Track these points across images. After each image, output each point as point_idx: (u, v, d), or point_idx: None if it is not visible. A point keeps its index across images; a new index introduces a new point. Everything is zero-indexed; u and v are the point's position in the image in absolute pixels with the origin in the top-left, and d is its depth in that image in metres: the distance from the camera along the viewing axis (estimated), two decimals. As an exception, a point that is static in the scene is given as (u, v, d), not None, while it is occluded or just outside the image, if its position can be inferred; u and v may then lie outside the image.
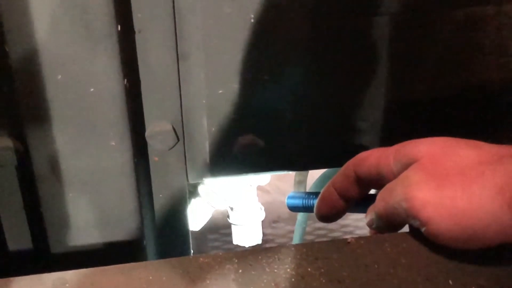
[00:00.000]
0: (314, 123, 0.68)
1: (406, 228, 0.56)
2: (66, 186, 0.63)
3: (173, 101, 0.65)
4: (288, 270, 0.53)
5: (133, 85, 0.63)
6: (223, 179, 0.74)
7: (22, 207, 0.68)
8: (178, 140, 0.67)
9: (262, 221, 1.08)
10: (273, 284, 0.52)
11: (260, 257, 0.54)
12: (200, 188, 0.94)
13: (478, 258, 0.52)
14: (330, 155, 0.70)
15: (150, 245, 0.72)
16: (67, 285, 0.52)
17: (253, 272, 0.53)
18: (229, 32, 0.62)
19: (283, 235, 1.48)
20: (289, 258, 0.54)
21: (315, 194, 0.65)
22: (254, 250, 0.55)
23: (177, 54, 0.63)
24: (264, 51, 0.64)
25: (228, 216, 1.06)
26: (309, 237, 1.41)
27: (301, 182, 0.85)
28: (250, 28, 0.62)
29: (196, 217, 0.97)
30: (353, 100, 0.68)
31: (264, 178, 0.99)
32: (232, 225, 1.07)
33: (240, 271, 0.53)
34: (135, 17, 0.60)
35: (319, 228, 1.40)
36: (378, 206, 0.56)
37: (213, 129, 0.67)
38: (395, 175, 0.55)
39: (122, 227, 0.66)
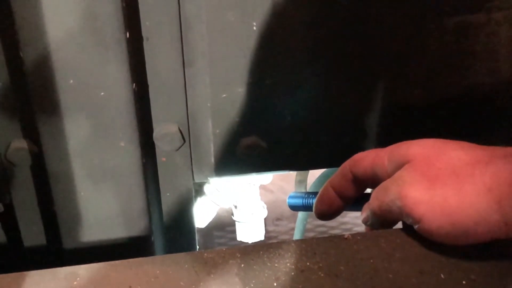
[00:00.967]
0: (314, 126, 0.68)
1: (399, 225, 0.57)
2: (77, 185, 0.63)
3: (179, 105, 0.66)
4: (288, 264, 0.53)
5: (141, 89, 0.63)
6: (228, 178, 0.74)
7: (36, 205, 0.68)
8: (184, 141, 0.68)
9: (265, 219, 1.09)
10: (273, 278, 0.52)
11: (261, 253, 0.54)
12: (206, 187, 0.94)
13: (468, 253, 0.52)
14: (329, 156, 0.70)
15: (157, 241, 0.72)
16: (78, 279, 0.52)
17: (255, 267, 0.53)
18: (232, 40, 0.62)
19: (286, 232, 1.48)
20: (289, 254, 0.54)
21: (314, 194, 0.65)
22: (256, 246, 0.55)
23: (183, 60, 0.63)
24: (266, 57, 0.64)
25: (232, 214, 1.06)
26: (310, 234, 1.41)
27: (301, 182, 0.85)
28: (252, 36, 0.62)
29: (202, 214, 0.97)
30: (350, 103, 0.68)
31: (267, 177, 0.99)
32: (236, 223, 1.07)
33: (243, 265, 0.53)
34: (143, 25, 0.61)
35: (320, 226, 1.40)
36: (373, 204, 0.56)
37: (218, 131, 0.67)
38: (389, 175, 0.56)
39: (131, 224, 0.66)
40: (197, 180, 0.71)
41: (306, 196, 0.69)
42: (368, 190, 0.60)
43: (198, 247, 0.79)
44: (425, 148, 0.55)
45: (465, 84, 0.68)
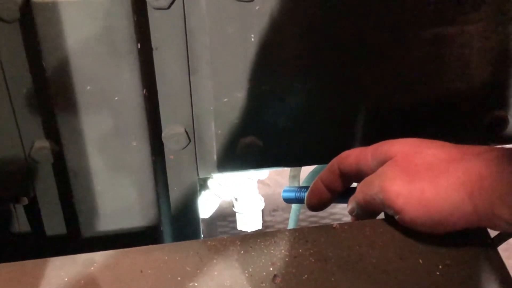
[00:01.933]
0: (305, 127, 0.68)
1: (382, 215, 0.57)
2: (94, 180, 0.63)
3: (185, 108, 0.66)
4: (283, 251, 0.53)
5: (151, 94, 0.63)
6: (229, 174, 0.74)
7: (57, 198, 0.68)
8: (190, 141, 0.68)
9: (263, 210, 1.08)
10: (270, 263, 0.52)
11: (259, 240, 0.54)
12: (209, 182, 0.94)
13: (444, 241, 0.53)
14: (319, 154, 0.70)
15: (166, 230, 0.72)
16: (95, 264, 0.52)
17: (253, 253, 0.53)
18: (232, 50, 0.62)
19: (281, 222, 1.48)
20: (284, 241, 0.54)
21: (306, 188, 0.65)
22: (254, 235, 0.55)
23: (189, 68, 0.63)
24: (263, 65, 0.64)
25: (233, 206, 1.06)
26: (303, 223, 1.41)
27: (295, 177, 0.85)
28: (250, 46, 0.62)
29: (206, 206, 0.97)
30: (338, 107, 0.68)
31: (264, 173, 0.99)
32: (236, 213, 1.07)
33: (242, 252, 0.53)
34: (152, 37, 0.61)
35: (312, 216, 1.40)
36: (358, 197, 0.56)
37: (219, 131, 0.67)
38: (372, 171, 0.56)
39: (142, 215, 0.66)
40: (201, 176, 0.71)
41: (298, 190, 0.69)
42: (354, 184, 0.60)
43: (202, 235, 0.79)
44: (404, 147, 0.55)
45: (440, 89, 0.68)
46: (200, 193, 0.85)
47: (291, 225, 0.89)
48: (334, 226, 0.55)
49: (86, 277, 0.51)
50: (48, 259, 0.52)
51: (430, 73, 0.67)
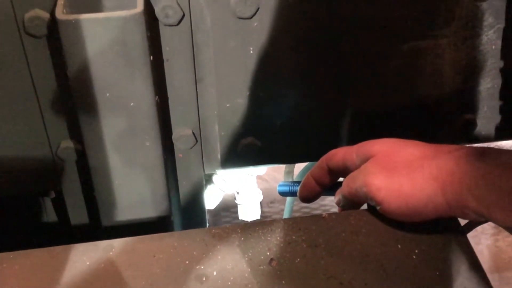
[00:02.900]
0: (298, 128, 0.68)
1: (365, 206, 0.57)
2: (112, 176, 0.63)
3: (192, 112, 0.66)
4: (278, 238, 0.53)
5: (162, 100, 0.63)
6: (231, 170, 0.74)
7: (80, 192, 0.68)
8: (197, 141, 0.68)
9: (261, 202, 1.08)
10: (267, 249, 0.52)
11: (257, 229, 0.54)
12: (214, 177, 0.94)
13: (420, 228, 0.53)
14: (310, 152, 0.70)
15: (176, 219, 0.72)
16: (113, 250, 0.52)
17: (252, 240, 0.53)
18: (234, 61, 0.62)
19: (277, 213, 1.48)
20: (279, 229, 0.54)
21: (298, 182, 0.65)
22: (254, 224, 0.55)
23: (195, 77, 0.63)
24: (260, 75, 0.64)
25: (235, 198, 1.06)
26: (297, 214, 1.41)
27: (289, 172, 0.85)
28: (249, 58, 0.62)
29: (211, 199, 0.97)
30: (327, 111, 0.68)
31: (262, 169, 0.99)
32: (238, 205, 1.07)
33: (242, 239, 0.53)
34: (164, 50, 0.61)
35: (304, 207, 1.39)
36: (344, 190, 0.56)
37: (223, 133, 0.68)
38: (357, 167, 0.56)
39: (155, 206, 0.66)
40: (207, 172, 0.71)
41: (292, 184, 0.69)
42: (341, 179, 0.60)
43: (208, 224, 0.79)
44: (385, 146, 0.55)
45: (416, 95, 0.68)
46: (206, 187, 0.85)
47: (286, 215, 0.89)
48: (323, 215, 0.55)
49: (105, 261, 0.51)
50: (72, 245, 0.52)
51: (408, 81, 0.67)
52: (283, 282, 0.49)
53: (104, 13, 0.55)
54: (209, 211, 1.05)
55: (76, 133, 0.63)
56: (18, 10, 0.56)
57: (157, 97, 0.60)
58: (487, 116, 0.70)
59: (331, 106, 0.67)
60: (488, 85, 0.68)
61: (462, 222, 0.54)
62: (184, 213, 0.74)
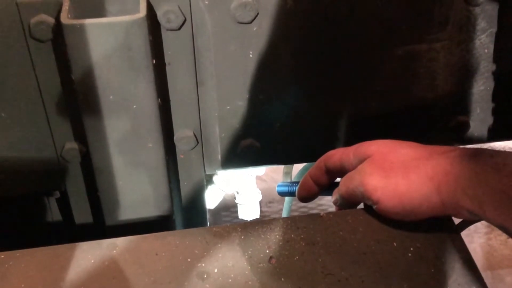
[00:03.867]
0: (296, 130, 0.68)
1: (362, 206, 0.57)
2: (116, 176, 0.63)
3: (194, 114, 0.66)
4: (277, 236, 0.53)
5: (164, 103, 0.63)
6: (231, 171, 0.74)
7: (84, 192, 0.68)
8: (198, 142, 0.68)
9: (260, 202, 1.09)
10: (266, 247, 0.52)
11: (257, 227, 0.54)
12: (215, 178, 0.95)
13: (415, 227, 0.53)
14: (308, 153, 0.70)
15: (177, 218, 0.72)
16: (117, 248, 0.52)
17: (252, 238, 0.53)
18: (234, 65, 0.62)
19: (276, 212, 1.48)
20: (278, 228, 0.54)
21: (297, 183, 0.65)
22: (253, 222, 0.55)
23: (196, 81, 0.63)
24: (259, 78, 0.64)
25: (235, 198, 1.06)
26: (294, 213, 1.41)
27: (287, 173, 0.85)
28: (249, 62, 0.62)
29: (212, 198, 0.97)
30: (324, 113, 0.68)
31: (261, 170, 0.99)
32: (238, 204, 1.07)
33: (242, 237, 0.53)
34: (166, 54, 0.61)
35: (302, 207, 1.39)
36: (341, 189, 0.56)
37: (223, 134, 0.67)
38: (354, 167, 0.56)
39: (157, 206, 0.66)
40: (207, 172, 0.71)
41: (290, 184, 0.69)
42: (338, 179, 0.60)
43: (208, 223, 0.79)
44: (381, 147, 0.55)
45: (411, 98, 0.68)
46: (206, 187, 0.85)
47: (284, 214, 0.89)
48: (321, 214, 0.55)
49: (109, 259, 0.51)
50: (76, 243, 0.52)
51: (403, 84, 0.67)
52: (282, 279, 0.49)
53: (107, 18, 0.55)
54: (210, 210, 1.05)
55: (80, 135, 0.63)
56: (24, 15, 0.56)
57: (159, 99, 0.60)
58: (480, 117, 0.70)
59: (328, 108, 0.67)
60: (481, 87, 0.68)
61: (456, 221, 0.54)
62: (186, 212, 0.74)
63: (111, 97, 0.58)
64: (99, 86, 0.57)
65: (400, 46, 0.64)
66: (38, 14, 0.56)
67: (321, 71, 0.65)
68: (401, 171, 0.51)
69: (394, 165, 0.52)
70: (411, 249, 0.51)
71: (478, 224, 0.57)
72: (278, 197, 1.47)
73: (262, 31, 0.61)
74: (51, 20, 0.56)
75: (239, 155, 0.69)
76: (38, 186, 0.67)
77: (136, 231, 0.55)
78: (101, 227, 0.68)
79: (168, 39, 0.60)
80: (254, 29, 0.60)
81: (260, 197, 1.06)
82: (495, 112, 0.70)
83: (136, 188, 0.65)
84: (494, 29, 0.64)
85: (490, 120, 0.71)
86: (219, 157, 0.69)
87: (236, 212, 1.09)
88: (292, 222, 0.54)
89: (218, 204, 1.01)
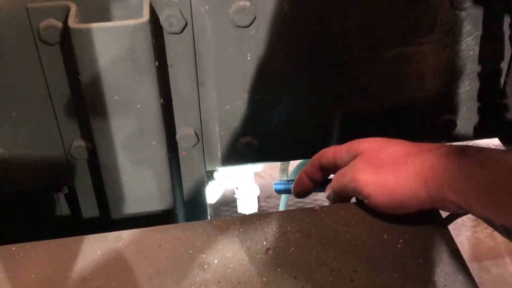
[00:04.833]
0: (292, 129, 0.68)
1: (354, 200, 0.57)
2: (121, 172, 0.63)
3: (195, 114, 0.66)
4: (274, 229, 0.53)
5: (167, 102, 0.63)
6: (231, 167, 0.74)
7: (91, 187, 0.68)
8: (199, 140, 0.68)
9: (258, 197, 1.08)
10: (263, 239, 0.52)
11: (255, 221, 0.54)
12: (215, 174, 0.94)
13: (404, 220, 0.53)
14: (303, 150, 0.70)
15: (180, 212, 0.72)
16: (122, 240, 0.52)
17: (250, 231, 0.53)
18: (233, 66, 0.62)
19: (274, 207, 1.47)
20: (275, 221, 0.54)
21: (292, 181, 0.65)
22: (251, 216, 0.55)
23: (197, 82, 0.63)
24: (257, 79, 0.64)
25: (234, 193, 1.06)
26: (291, 208, 1.40)
27: (284, 170, 0.85)
28: (247, 63, 0.62)
29: (212, 193, 0.97)
30: (319, 112, 0.68)
31: (259, 166, 0.99)
32: (237, 199, 1.07)
33: (241, 230, 0.53)
34: (168, 56, 0.61)
35: (298, 202, 1.39)
36: (334, 185, 0.56)
37: (223, 133, 0.68)
38: (346, 164, 0.56)
39: (160, 200, 0.66)
40: (208, 169, 0.71)
41: (286, 182, 0.69)
42: (331, 176, 0.61)
43: (209, 217, 0.79)
44: (372, 144, 0.55)
45: (401, 98, 0.68)
46: (207, 183, 0.85)
47: (281, 209, 0.89)
48: (315, 208, 0.55)
49: (115, 251, 0.51)
50: (84, 236, 0.53)
51: (393, 84, 0.67)
52: (279, 269, 0.49)
53: (113, 22, 0.55)
54: (210, 205, 1.05)
55: (87, 133, 0.63)
56: (33, 19, 0.56)
57: (162, 99, 0.60)
58: (466, 116, 0.71)
59: (322, 108, 0.68)
60: (467, 88, 0.68)
61: (444, 214, 0.54)
62: (187, 206, 0.74)
63: (116, 97, 0.58)
64: (105, 87, 0.57)
65: (390, 49, 0.64)
66: (47, 18, 0.56)
67: (316, 72, 0.65)
68: (390, 167, 0.52)
69: (384, 162, 0.52)
70: (401, 240, 0.51)
71: (465, 217, 0.57)
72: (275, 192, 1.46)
73: (260, 35, 0.61)
74: (59, 24, 0.56)
75: (238, 152, 0.69)
76: (47, 182, 0.67)
77: (141, 224, 0.55)
78: (107, 221, 0.68)
79: (170, 42, 0.60)
80: (252, 32, 0.60)
81: (258, 193, 1.06)
82: (480, 111, 0.70)
83: (141, 184, 0.65)
84: (479, 33, 0.64)
85: (475, 118, 0.71)
86: (219, 154, 0.69)
87: (235, 206, 1.09)
88: (288, 215, 0.55)
89: (218, 199, 1.00)
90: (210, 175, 0.94)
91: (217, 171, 0.93)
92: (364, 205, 0.54)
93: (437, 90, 0.68)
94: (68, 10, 0.55)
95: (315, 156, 0.60)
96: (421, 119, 0.70)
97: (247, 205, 1.06)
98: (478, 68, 0.67)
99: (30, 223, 0.75)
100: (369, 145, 0.55)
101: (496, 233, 0.47)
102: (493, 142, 0.72)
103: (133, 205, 0.66)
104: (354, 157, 0.55)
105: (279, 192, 0.70)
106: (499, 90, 0.69)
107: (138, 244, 0.52)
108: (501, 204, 0.44)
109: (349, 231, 0.53)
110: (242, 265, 0.50)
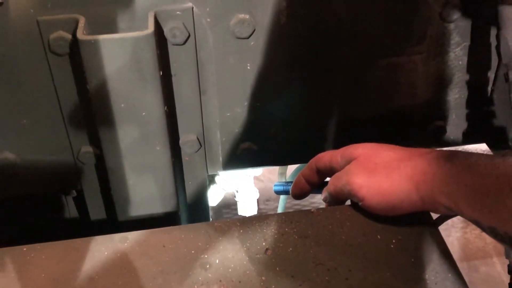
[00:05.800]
0: (290, 134, 0.69)
1: (349, 202, 0.57)
2: (127, 176, 0.63)
3: (197, 121, 0.66)
4: (273, 230, 0.53)
5: (171, 110, 0.63)
6: (231, 171, 0.74)
7: (99, 191, 0.68)
8: (201, 146, 0.68)
9: (258, 200, 1.08)
10: (263, 239, 0.52)
11: (255, 222, 0.54)
12: (216, 178, 0.95)
13: (397, 221, 0.53)
14: (300, 155, 0.70)
15: (183, 215, 0.72)
16: (128, 241, 0.52)
17: (250, 232, 0.53)
18: (233, 75, 0.63)
19: (272, 210, 1.47)
20: (274, 222, 0.54)
21: (290, 182, 0.65)
22: (251, 218, 0.55)
23: (200, 90, 0.63)
24: (256, 88, 0.64)
25: (235, 196, 1.06)
26: (289, 210, 1.40)
27: (282, 173, 0.85)
28: (247, 73, 0.63)
29: (214, 196, 0.97)
30: (316, 119, 0.68)
31: (258, 171, 0.99)
32: (237, 202, 1.07)
33: (241, 231, 0.53)
34: (172, 66, 0.61)
35: (296, 204, 1.39)
36: (330, 188, 0.56)
37: (224, 139, 0.68)
38: (342, 168, 0.56)
39: (164, 203, 0.66)
40: (210, 173, 0.71)
41: (285, 184, 0.69)
42: (328, 179, 0.60)
43: (211, 219, 0.79)
44: (366, 149, 0.55)
45: (393, 105, 0.68)
46: (209, 187, 0.85)
47: (279, 210, 0.89)
48: (312, 210, 0.55)
49: (121, 251, 0.51)
50: (91, 237, 0.53)
51: (386, 92, 0.67)
52: (277, 268, 0.49)
53: (119, 34, 0.55)
54: (212, 207, 1.05)
55: (95, 139, 0.63)
56: (44, 31, 0.56)
57: (166, 107, 0.60)
58: (455, 123, 0.71)
59: (319, 114, 0.68)
60: (456, 95, 0.69)
61: (434, 216, 0.54)
62: (190, 209, 0.74)
63: (122, 105, 0.58)
64: (112, 95, 0.57)
65: (383, 58, 0.64)
66: (56, 30, 0.56)
67: (312, 81, 0.65)
68: (384, 171, 0.51)
69: (377, 166, 0.52)
70: (394, 241, 0.51)
71: (455, 219, 0.57)
72: (274, 195, 1.46)
73: (259, 45, 0.61)
74: (68, 36, 0.56)
75: (238, 157, 0.69)
76: (57, 186, 0.67)
77: (145, 226, 0.55)
78: (114, 222, 0.68)
79: (174, 53, 0.60)
80: (252, 43, 0.60)
81: (257, 196, 1.06)
82: (468, 117, 0.71)
83: (146, 187, 0.65)
84: (467, 43, 0.65)
85: (464, 125, 0.71)
86: (220, 159, 0.69)
87: (236, 209, 1.09)
88: (286, 217, 0.54)
89: (220, 202, 1.00)
90: (211, 179, 0.94)
91: (219, 175, 0.93)
92: (359, 207, 0.54)
93: (428, 97, 0.68)
94: (76, 22, 0.56)
95: (312, 160, 0.60)
96: (413, 125, 0.71)
97: (247, 208, 1.06)
98: (466, 77, 0.67)
99: (40, 225, 0.75)
100: (363, 150, 0.55)
101: (484, 234, 0.47)
102: (481, 147, 0.72)
103: (138, 208, 0.66)
104: (349, 161, 0.55)
105: (278, 193, 0.70)
106: (486, 97, 0.69)
107: (143, 245, 0.52)
108: (488, 206, 0.44)
109: (344, 232, 0.52)
110: (242, 264, 0.50)
